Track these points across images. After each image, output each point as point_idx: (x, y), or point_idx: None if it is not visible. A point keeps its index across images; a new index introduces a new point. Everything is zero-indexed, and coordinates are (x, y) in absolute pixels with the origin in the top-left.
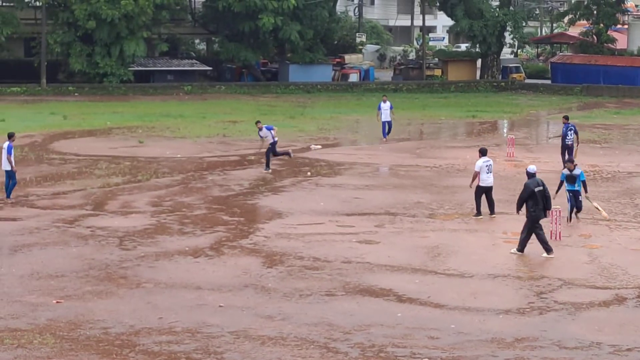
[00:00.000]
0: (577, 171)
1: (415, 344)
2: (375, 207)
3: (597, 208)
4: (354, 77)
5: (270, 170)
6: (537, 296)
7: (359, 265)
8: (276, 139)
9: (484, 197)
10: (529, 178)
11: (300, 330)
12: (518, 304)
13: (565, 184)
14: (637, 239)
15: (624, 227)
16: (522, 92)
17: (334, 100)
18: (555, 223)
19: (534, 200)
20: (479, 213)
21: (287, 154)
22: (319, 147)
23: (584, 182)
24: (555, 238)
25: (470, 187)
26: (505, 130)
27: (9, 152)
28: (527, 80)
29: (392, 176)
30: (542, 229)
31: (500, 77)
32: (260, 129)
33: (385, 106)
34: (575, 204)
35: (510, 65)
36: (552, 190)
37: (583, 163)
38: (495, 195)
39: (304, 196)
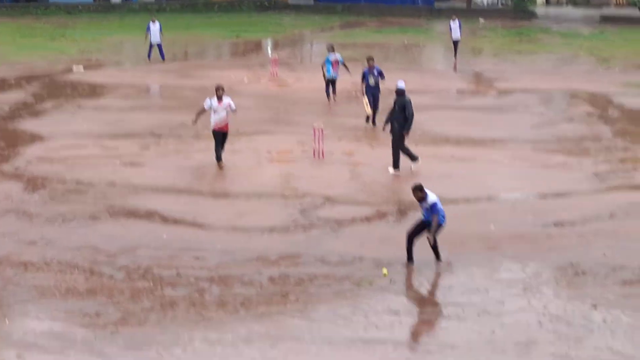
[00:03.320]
0: None
1: (181, 264)
2: (141, 128)
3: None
4: None
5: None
6: (301, 214)
7: (123, 188)
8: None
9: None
10: (402, 95)
11: (64, 254)
12: (282, 222)
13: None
14: None
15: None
16: (285, 12)
17: (96, 21)
18: (318, 142)
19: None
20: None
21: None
22: (82, 68)
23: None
24: (319, 156)
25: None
26: (269, 50)
27: None
28: (291, 0)
29: (157, 97)
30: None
31: None
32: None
33: (155, 27)
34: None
35: None
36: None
37: (347, 81)
38: (259, 114)
39: (66, 119)
